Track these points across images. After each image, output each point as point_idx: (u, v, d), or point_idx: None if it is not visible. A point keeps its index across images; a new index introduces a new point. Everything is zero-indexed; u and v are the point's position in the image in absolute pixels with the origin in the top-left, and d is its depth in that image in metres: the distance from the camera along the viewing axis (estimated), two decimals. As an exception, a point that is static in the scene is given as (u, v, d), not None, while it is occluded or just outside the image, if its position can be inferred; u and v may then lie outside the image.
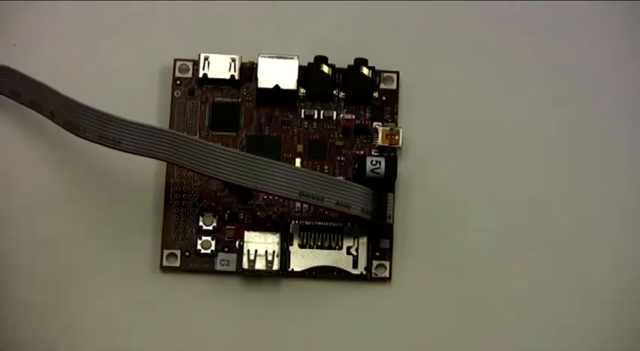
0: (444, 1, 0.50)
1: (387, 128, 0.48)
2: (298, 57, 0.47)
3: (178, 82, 0.48)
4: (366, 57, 0.48)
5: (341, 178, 0.47)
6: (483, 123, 0.49)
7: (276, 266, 0.46)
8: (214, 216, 0.47)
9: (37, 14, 0.49)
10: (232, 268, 0.47)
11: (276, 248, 0.46)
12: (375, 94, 0.48)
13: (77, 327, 0.46)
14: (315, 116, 0.48)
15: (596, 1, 0.50)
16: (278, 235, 0.47)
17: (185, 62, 0.48)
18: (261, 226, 0.47)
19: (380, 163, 0.46)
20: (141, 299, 0.47)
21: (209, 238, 0.47)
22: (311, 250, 0.47)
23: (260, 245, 0.46)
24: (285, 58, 0.47)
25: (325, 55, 0.48)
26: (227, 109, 0.48)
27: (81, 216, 0.47)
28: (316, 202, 0.45)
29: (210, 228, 0.47)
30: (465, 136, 0.49)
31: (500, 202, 0.48)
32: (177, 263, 0.47)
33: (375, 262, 0.47)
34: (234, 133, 0.48)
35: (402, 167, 0.47)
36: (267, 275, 0.47)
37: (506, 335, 0.47)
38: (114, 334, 0.46)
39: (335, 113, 0.48)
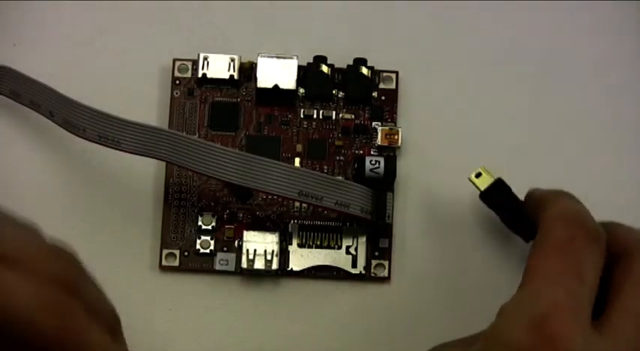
0: (443, 2, 0.50)
1: (387, 128, 0.48)
2: (297, 57, 0.47)
3: (177, 81, 0.48)
4: (365, 57, 0.48)
5: (340, 177, 0.47)
6: (483, 123, 0.49)
7: (275, 266, 0.46)
8: (213, 216, 0.47)
9: (37, 14, 0.49)
10: (231, 267, 0.47)
11: (276, 248, 0.46)
12: (375, 94, 0.48)
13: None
14: (315, 116, 0.48)
15: (596, 1, 0.50)
16: (277, 234, 0.47)
17: (184, 62, 0.48)
18: (261, 225, 0.47)
19: (379, 162, 0.46)
20: (140, 299, 0.47)
21: (208, 238, 0.47)
22: (310, 249, 0.47)
23: (259, 245, 0.46)
24: (284, 57, 0.47)
25: (324, 55, 0.48)
26: (226, 108, 0.48)
27: (80, 216, 0.47)
28: (315, 202, 0.45)
29: (210, 227, 0.47)
30: (465, 136, 0.49)
31: (500, 201, 0.48)
32: (177, 263, 0.47)
33: (374, 262, 0.47)
34: (234, 133, 0.48)
35: (401, 167, 0.47)
36: (266, 275, 0.47)
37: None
38: (113, 334, 0.46)
39: (334, 113, 0.48)
